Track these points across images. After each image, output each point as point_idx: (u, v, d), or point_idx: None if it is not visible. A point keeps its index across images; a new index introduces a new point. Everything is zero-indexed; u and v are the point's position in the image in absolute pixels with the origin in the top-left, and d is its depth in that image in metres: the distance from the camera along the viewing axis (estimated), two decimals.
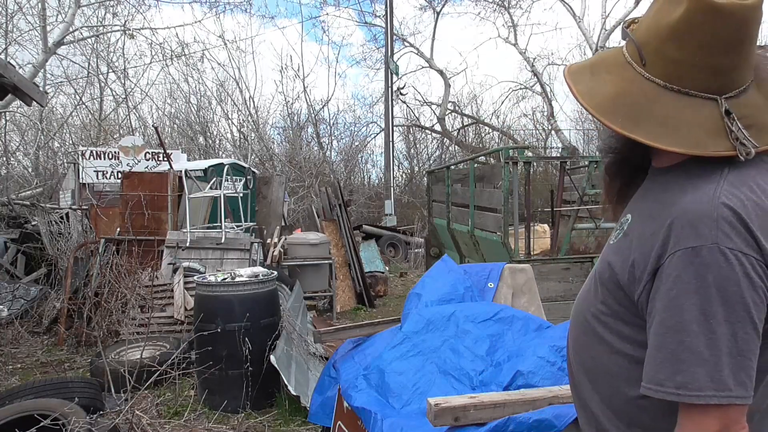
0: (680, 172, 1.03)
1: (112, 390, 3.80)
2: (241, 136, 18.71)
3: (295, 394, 3.74)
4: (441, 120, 19.56)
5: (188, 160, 11.65)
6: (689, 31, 0.95)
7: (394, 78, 15.92)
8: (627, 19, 1.09)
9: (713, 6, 0.92)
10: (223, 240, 6.48)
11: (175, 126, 19.41)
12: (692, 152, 0.96)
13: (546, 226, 7.53)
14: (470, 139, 20.06)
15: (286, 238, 7.62)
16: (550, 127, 18.52)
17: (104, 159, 9.93)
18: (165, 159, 8.76)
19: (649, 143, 0.97)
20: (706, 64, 0.96)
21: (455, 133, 19.76)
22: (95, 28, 14.03)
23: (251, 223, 7.87)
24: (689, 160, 1.02)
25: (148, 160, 10.03)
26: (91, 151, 10.02)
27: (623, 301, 1.04)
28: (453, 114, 20.17)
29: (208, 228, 7.09)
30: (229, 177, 7.46)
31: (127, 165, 9.66)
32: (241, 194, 7.61)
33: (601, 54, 1.10)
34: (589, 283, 1.18)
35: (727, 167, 0.97)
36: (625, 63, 1.03)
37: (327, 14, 25.81)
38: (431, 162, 20.42)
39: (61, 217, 7.73)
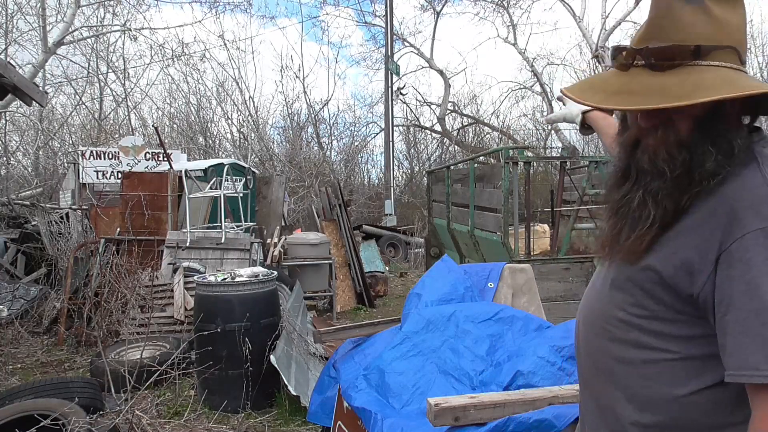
0: None
1: (112, 390, 3.80)
2: (241, 136, 18.72)
3: (295, 394, 3.74)
4: (441, 120, 19.56)
5: (188, 160, 11.64)
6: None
7: (394, 78, 15.92)
8: (695, 43, 1.00)
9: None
10: (223, 240, 6.48)
11: (175, 126, 19.42)
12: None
13: (546, 226, 7.52)
14: (470, 139, 20.07)
15: (286, 238, 7.62)
16: (550, 127, 18.52)
17: (104, 159, 9.92)
18: (165, 159, 8.76)
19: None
20: None
21: (455, 133, 19.76)
22: (95, 28, 14.04)
23: (251, 223, 7.86)
24: None
25: (148, 160, 10.03)
26: (91, 151, 10.02)
27: (664, 298, 1.03)
28: (453, 114, 20.18)
29: (208, 228, 7.09)
30: (229, 177, 7.46)
31: (127, 165, 9.65)
32: (241, 194, 7.61)
33: (725, 76, 1.00)
34: (605, 288, 1.14)
35: (755, 152, 1.00)
36: (739, 71, 1.01)
37: (327, 14, 25.81)
38: (431, 162, 20.43)
39: (61, 217, 7.73)
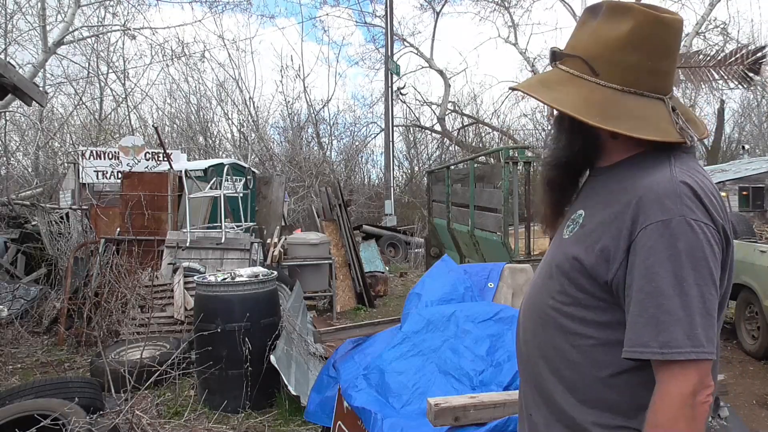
0: (629, 165, 1.15)
1: (112, 390, 3.80)
2: (241, 136, 18.72)
3: (295, 393, 3.74)
4: (441, 120, 19.56)
5: (188, 160, 11.65)
6: (641, 40, 1.10)
7: (394, 78, 15.91)
8: (552, 46, 1.21)
9: (659, 18, 1.10)
10: (223, 240, 6.48)
11: (175, 126, 19.42)
12: (667, 139, 1.09)
13: None
14: (470, 139, 20.06)
15: (286, 238, 7.62)
16: (550, 127, 18.47)
17: (104, 159, 9.93)
18: (165, 159, 8.76)
19: (633, 134, 1.08)
20: (655, 68, 1.12)
21: (455, 133, 19.76)
22: (95, 28, 14.04)
23: (251, 223, 7.86)
24: (636, 155, 1.14)
25: (148, 160, 10.04)
26: (91, 151, 10.03)
27: (586, 286, 1.11)
28: (453, 114, 20.17)
29: (208, 228, 7.09)
30: (229, 177, 7.46)
31: (127, 165, 9.66)
32: (241, 194, 7.61)
33: (539, 76, 1.23)
34: (541, 279, 1.24)
35: (671, 156, 1.10)
36: (573, 77, 1.14)
37: (327, 14, 25.86)
38: (431, 162, 20.41)
39: (61, 217, 7.73)
